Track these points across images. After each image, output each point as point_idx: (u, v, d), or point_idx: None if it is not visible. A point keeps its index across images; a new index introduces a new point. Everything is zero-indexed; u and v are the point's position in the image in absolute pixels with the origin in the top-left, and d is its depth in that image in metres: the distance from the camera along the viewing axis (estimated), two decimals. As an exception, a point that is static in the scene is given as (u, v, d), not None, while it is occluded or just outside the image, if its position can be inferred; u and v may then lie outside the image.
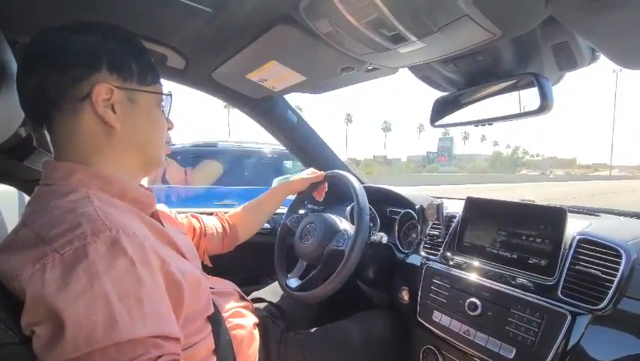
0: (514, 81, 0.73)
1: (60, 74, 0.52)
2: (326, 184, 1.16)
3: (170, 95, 0.63)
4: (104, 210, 0.48)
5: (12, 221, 0.72)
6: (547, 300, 0.72)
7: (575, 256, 0.74)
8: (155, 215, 0.66)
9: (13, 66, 0.62)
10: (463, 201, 0.98)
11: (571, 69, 0.69)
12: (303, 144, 1.41)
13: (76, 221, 0.45)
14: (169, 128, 0.66)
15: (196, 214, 0.98)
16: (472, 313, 0.80)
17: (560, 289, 0.72)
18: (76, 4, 0.71)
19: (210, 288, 0.75)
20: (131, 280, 0.44)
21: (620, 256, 0.69)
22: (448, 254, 0.94)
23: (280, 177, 1.76)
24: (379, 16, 0.52)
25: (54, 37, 0.52)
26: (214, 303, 0.70)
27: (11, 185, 0.84)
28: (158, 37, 0.88)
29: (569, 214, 0.76)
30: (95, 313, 0.40)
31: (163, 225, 0.67)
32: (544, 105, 0.64)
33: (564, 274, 0.73)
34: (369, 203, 1.30)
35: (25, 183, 0.84)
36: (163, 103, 0.63)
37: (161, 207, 0.81)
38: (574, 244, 0.76)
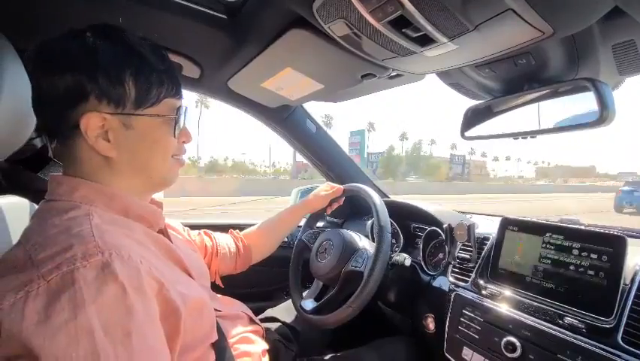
0: (562, 88, 0.63)
1: (48, 101, 0.49)
2: (342, 199, 1.08)
3: (177, 117, 0.55)
4: (100, 229, 0.45)
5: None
6: (604, 346, 0.60)
7: (638, 295, 0.62)
8: (163, 231, 0.63)
9: (21, 74, 0.60)
10: (498, 220, 0.88)
11: (634, 73, 0.58)
12: (323, 155, 1.35)
13: (67, 243, 0.42)
14: (184, 142, 0.61)
15: (209, 232, 0.93)
16: (509, 355, 0.69)
17: (620, 333, 0.60)
18: (87, 13, 0.70)
19: (217, 311, 0.71)
20: (120, 310, 0.40)
21: None
22: (481, 282, 0.84)
23: (299, 188, 1.70)
24: (403, 14, 0.44)
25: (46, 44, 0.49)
26: (220, 328, 0.65)
27: (25, 197, 0.83)
28: (173, 46, 0.85)
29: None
30: (77, 349, 0.36)
31: (171, 241, 0.63)
32: (605, 116, 0.54)
33: (625, 316, 0.61)
34: (391, 218, 1.21)
35: (38, 195, 0.84)
36: (177, 117, 0.56)
37: (172, 223, 0.78)
38: (637, 279, 0.64)
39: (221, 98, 1.07)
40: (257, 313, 1.07)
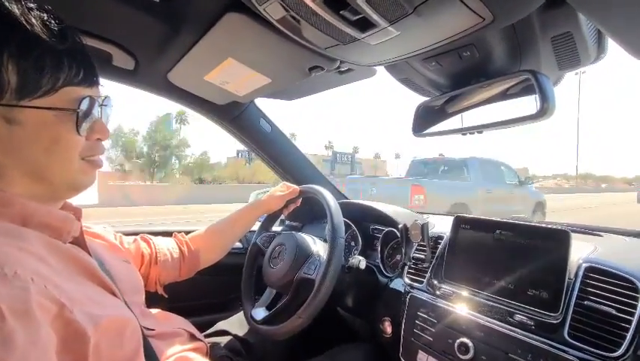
0: (508, 83, 0.63)
1: None
2: (299, 200, 1.03)
3: (80, 109, 0.46)
4: None
5: None
6: (552, 342, 0.60)
7: (582, 289, 0.62)
8: (78, 240, 0.54)
9: None
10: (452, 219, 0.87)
11: (572, 68, 0.59)
12: (279, 156, 1.29)
13: None
14: (99, 139, 0.52)
15: (148, 237, 0.84)
16: (462, 357, 0.67)
17: (566, 328, 0.60)
18: None
19: (149, 329, 0.62)
20: None
21: (636, 290, 0.58)
22: (435, 282, 0.82)
23: (258, 191, 1.62)
24: (338, -9, 0.41)
25: None
26: (151, 350, 0.57)
27: None
28: (100, 32, 0.76)
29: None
30: None
31: (89, 252, 0.55)
32: (545, 108, 0.54)
33: (570, 311, 0.61)
34: (350, 220, 1.18)
35: None
36: (81, 109, 0.46)
37: (98, 230, 0.69)
38: (580, 274, 0.64)
39: (162, 93, 0.98)
40: (208, 327, 0.99)
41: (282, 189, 1.01)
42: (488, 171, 5.90)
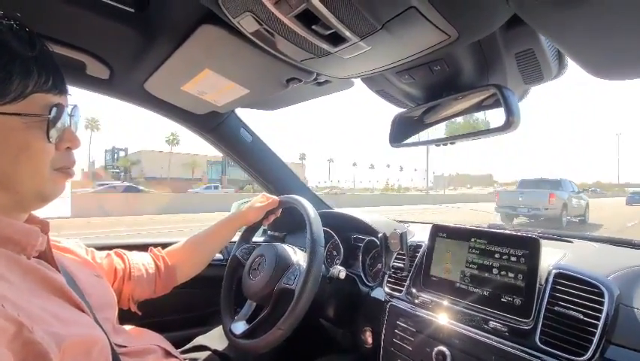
0: (478, 97, 0.65)
1: None
2: (279, 211, 1.03)
3: (50, 117, 0.46)
4: None
5: None
6: (524, 348, 0.61)
7: (552, 295, 0.64)
8: (45, 255, 0.52)
9: None
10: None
11: (536, 82, 0.62)
12: (260, 166, 1.29)
13: None
14: (69, 148, 0.51)
15: (121, 252, 0.81)
16: (440, 366, 0.68)
17: (537, 334, 0.61)
18: None
19: (121, 346, 0.60)
20: None
21: (602, 295, 0.60)
22: (414, 290, 0.83)
23: (240, 201, 1.60)
24: (308, 7, 0.42)
25: None
26: None
27: None
28: (73, 41, 0.75)
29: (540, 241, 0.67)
30: None
31: (57, 267, 0.53)
32: (510, 121, 0.56)
33: (542, 316, 0.63)
34: (332, 229, 1.18)
35: None
36: (51, 115, 0.46)
37: (67, 243, 0.67)
38: (550, 280, 0.66)
39: (140, 102, 0.97)
40: (187, 343, 0.96)
41: (261, 200, 1.01)
42: (567, 185, 10.47)
